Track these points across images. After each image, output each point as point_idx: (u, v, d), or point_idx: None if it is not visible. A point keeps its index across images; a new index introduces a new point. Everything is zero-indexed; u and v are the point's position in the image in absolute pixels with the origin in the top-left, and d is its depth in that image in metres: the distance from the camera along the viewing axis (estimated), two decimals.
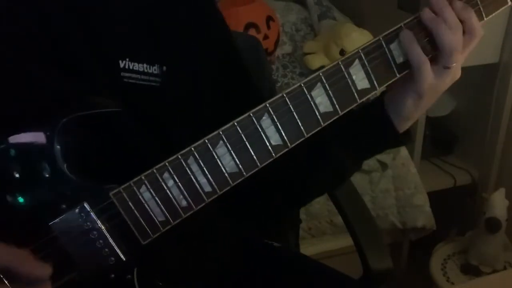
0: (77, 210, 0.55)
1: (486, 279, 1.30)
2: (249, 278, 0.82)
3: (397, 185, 1.63)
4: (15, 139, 0.54)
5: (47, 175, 0.55)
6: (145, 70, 0.64)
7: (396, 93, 0.66)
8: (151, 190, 0.56)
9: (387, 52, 0.61)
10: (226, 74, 0.75)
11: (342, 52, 1.66)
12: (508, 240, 1.70)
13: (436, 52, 0.60)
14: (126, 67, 0.63)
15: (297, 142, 0.59)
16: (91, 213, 0.55)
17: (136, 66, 0.63)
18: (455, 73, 0.63)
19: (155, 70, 0.64)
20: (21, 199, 0.54)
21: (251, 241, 0.88)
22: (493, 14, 0.63)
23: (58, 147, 0.55)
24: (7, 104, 0.58)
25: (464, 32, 0.60)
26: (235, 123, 0.56)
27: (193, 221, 0.60)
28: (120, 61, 0.62)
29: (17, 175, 0.54)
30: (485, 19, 0.62)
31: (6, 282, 0.50)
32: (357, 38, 1.63)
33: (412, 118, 0.67)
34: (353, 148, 0.72)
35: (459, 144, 1.95)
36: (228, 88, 0.74)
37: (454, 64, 0.61)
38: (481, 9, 0.62)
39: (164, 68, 0.65)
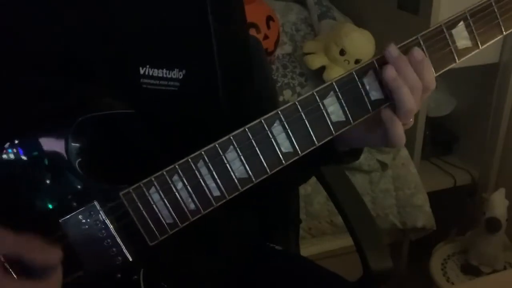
0: (87, 209, 0.55)
1: (486, 279, 1.30)
2: (251, 281, 0.82)
3: (397, 185, 1.63)
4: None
5: (61, 173, 0.56)
6: (165, 76, 0.64)
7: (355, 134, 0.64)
8: (160, 192, 0.56)
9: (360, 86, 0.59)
10: (240, 76, 0.75)
11: (342, 52, 1.66)
12: (508, 240, 1.70)
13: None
14: (146, 73, 0.63)
15: (308, 150, 0.58)
16: (101, 212, 0.55)
17: (156, 72, 0.63)
18: (408, 125, 0.61)
19: (174, 74, 0.65)
20: (33, 195, 0.55)
21: (253, 245, 0.89)
22: (488, 44, 0.61)
23: (72, 145, 0.55)
24: (26, 107, 0.59)
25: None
26: (246, 129, 0.56)
27: (198, 224, 0.60)
28: (141, 68, 0.63)
29: (29, 171, 0.55)
30: (480, 48, 0.61)
31: (13, 274, 0.50)
32: (357, 38, 1.63)
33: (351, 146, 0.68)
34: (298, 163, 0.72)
35: (459, 144, 1.95)
36: (241, 91, 0.74)
37: (411, 120, 0.60)
38: (501, 23, 0.60)
39: (184, 71, 0.65)
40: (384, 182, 1.62)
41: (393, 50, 0.57)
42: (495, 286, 0.96)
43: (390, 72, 0.56)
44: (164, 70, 0.64)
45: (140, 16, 0.65)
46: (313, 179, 1.09)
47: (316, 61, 1.68)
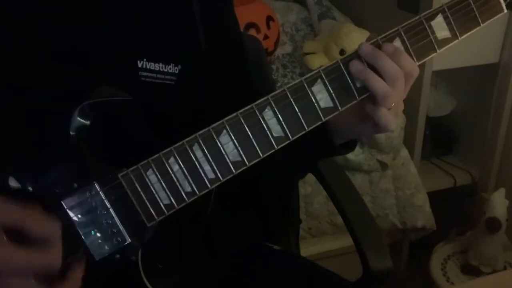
0: (87, 189, 0.57)
1: (486, 279, 1.30)
2: (250, 281, 0.82)
3: (397, 185, 1.63)
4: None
5: (63, 154, 0.57)
6: (161, 69, 0.67)
7: (344, 122, 0.67)
8: (157, 174, 0.58)
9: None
10: (236, 73, 0.77)
11: (342, 52, 1.66)
12: (508, 240, 1.70)
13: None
14: (144, 66, 0.66)
15: (299, 135, 0.61)
16: (100, 192, 0.57)
17: (153, 66, 0.66)
18: (398, 109, 0.65)
19: (170, 69, 0.67)
20: (34, 176, 0.56)
21: (253, 245, 0.89)
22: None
23: (75, 129, 0.57)
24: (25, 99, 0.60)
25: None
26: (238, 114, 0.59)
27: (198, 224, 0.61)
28: (139, 61, 0.65)
29: (34, 151, 0.57)
30: (459, 38, 0.64)
31: (12, 245, 0.50)
32: (357, 38, 1.63)
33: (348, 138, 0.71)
34: (295, 156, 0.74)
35: (459, 144, 1.95)
36: (237, 87, 0.77)
37: (393, 104, 0.62)
38: (477, 15, 0.64)
39: (179, 67, 0.68)
40: (384, 182, 1.63)
41: (365, 47, 0.61)
42: (495, 286, 0.96)
43: (355, 66, 0.61)
44: (161, 64, 0.67)
45: (137, 11, 0.67)
46: (313, 179, 1.09)
47: (316, 61, 1.68)
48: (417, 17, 0.63)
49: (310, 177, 1.48)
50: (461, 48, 1.58)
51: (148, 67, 0.66)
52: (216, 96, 0.74)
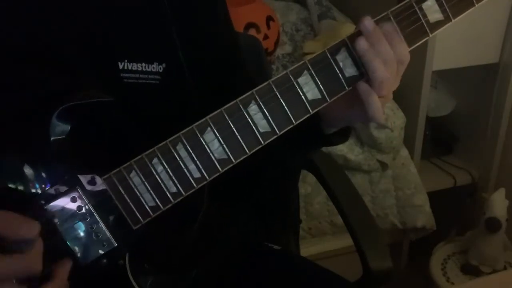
0: (69, 194, 0.56)
1: (486, 279, 1.31)
2: (250, 282, 0.82)
3: (397, 185, 1.63)
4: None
5: (43, 159, 0.56)
6: (144, 69, 0.65)
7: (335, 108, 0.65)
8: (141, 175, 0.56)
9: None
10: (225, 70, 0.76)
11: None
12: (508, 240, 1.70)
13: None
14: (125, 68, 0.64)
15: (286, 129, 0.59)
16: (83, 197, 0.56)
17: (135, 66, 0.64)
18: (386, 99, 0.62)
19: (153, 68, 0.66)
20: (15, 181, 0.55)
21: (253, 245, 0.89)
22: (460, 16, 0.62)
23: (54, 133, 0.56)
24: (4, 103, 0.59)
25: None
26: (222, 110, 0.57)
27: (196, 223, 0.60)
28: (119, 63, 0.64)
29: (11, 158, 0.56)
30: (452, 21, 0.61)
31: None
32: None
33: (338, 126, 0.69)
34: (288, 146, 0.72)
35: (459, 144, 1.95)
36: (226, 85, 0.75)
37: (386, 93, 0.60)
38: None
39: (164, 65, 0.66)
40: (384, 182, 1.63)
41: (368, 23, 0.58)
42: (495, 286, 0.96)
43: (362, 44, 0.58)
44: (143, 64, 0.65)
45: (112, 11, 0.65)
46: (313, 179, 1.09)
47: None
48: (407, 0, 0.60)
49: (310, 177, 1.49)
50: (461, 48, 1.59)
51: (129, 67, 0.64)
52: (201, 95, 0.72)
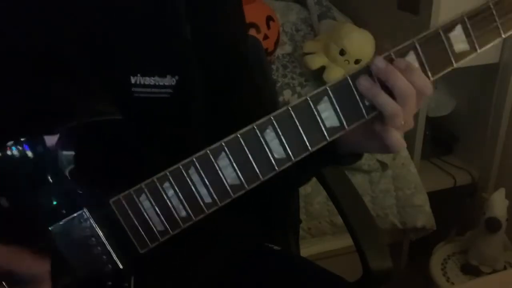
0: (76, 216, 0.55)
1: (486, 279, 1.30)
2: (249, 282, 0.82)
3: (397, 185, 1.63)
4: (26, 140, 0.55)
5: (50, 179, 0.55)
6: (156, 83, 0.63)
7: (353, 138, 0.64)
8: (151, 199, 0.55)
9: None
10: (235, 79, 0.74)
11: (342, 52, 1.66)
12: (508, 240, 1.70)
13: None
14: (138, 82, 0.62)
15: (302, 156, 0.57)
16: (90, 219, 0.55)
17: (148, 80, 0.63)
18: (406, 126, 0.59)
19: (166, 82, 0.64)
20: (22, 202, 0.54)
21: (252, 245, 0.88)
22: (486, 47, 0.59)
23: (61, 151, 0.55)
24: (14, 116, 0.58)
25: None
26: (238, 135, 0.55)
27: (196, 224, 0.60)
28: (132, 77, 0.62)
29: (20, 177, 0.55)
30: (478, 51, 0.59)
31: (4, 284, 0.50)
32: (357, 38, 1.63)
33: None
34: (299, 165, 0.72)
35: (459, 144, 1.95)
36: (236, 94, 0.74)
37: (403, 123, 0.58)
38: (499, 25, 0.57)
39: (176, 77, 0.64)
40: (384, 182, 1.62)
41: (379, 62, 0.55)
42: (495, 286, 0.96)
43: (362, 83, 0.56)
44: (156, 78, 0.63)
45: (127, 24, 0.64)
46: (313, 179, 1.09)
47: (316, 61, 1.67)
48: (435, 28, 0.57)
49: None
50: None
51: (142, 82, 0.62)
52: (217, 102, 0.71)
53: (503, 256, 1.67)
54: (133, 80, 0.62)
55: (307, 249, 1.56)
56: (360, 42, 1.63)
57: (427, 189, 1.68)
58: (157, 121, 0.65)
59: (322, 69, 1.67)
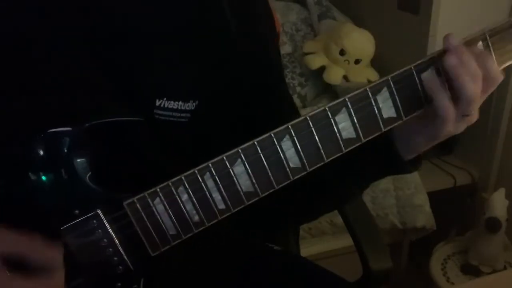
0: (90, 217, 0.55)
1: (486, 279, 1.30)
2: (250, 282, 0.82)
3: (397, 185, 1.63)
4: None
5: (64, 179, 0.55)
6: (179, 108, 0.63)
7: (408, 130, 0.64)
8: (165, 203, 0.55)
9: (418, 82, 0.58)
10: (256, 98, 0.73)
11: (342, 52, 1.66)
12: (508, 240, 1.70)
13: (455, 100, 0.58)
14: (162, 105, 0.62)
15: (316, 167, 0.58)
16: (104, 221, 0.55)
17: (172, 104, 0.62)
18: (471, 119, 0.61)
19: (188, 106, 0.64)
20: (35, 201, 0.54)
21: (252, 245, 0.88)
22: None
23: (78, 151, 0.55)
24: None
25: (483, 79, 0.58)
26: (255, 142, 0.55)
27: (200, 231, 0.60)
28: (157, 100, 0.62)
29: (35, 175, 0.54)
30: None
31: (12, 275, 0.49)
32: (357, 38, 1.63)
33: (418, 152, 0.68)
34: (353, 179, 0.71)
35: (459, 144, 1.95)
36: (256, 112, 0.73)
37: (473, 112, 0.59)
38: None
39: (196, 102, 0.64)
40: (384, 182, 1.62)
41: (452, 39, 0.56)
42: (495, 286, 0.96)
43: (451, 60, 0.56)
44: (180, 102, 0.63)
45: (161, 49, 0.63)
46: None
47: (316, 61, 1.68)
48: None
49: None
50: None
51: (166, 105, 0.62)
52: (236, 125, 0.71)
53: (503, 256, 1.67)
54: (158, 102, 0.62)
55: (307, 249, 1.56)
56: (360, 42, 1.64)
57: (427, 189, 1.67)
58: (174, 144, 0.65)
59: (322, 69, 1.67)
